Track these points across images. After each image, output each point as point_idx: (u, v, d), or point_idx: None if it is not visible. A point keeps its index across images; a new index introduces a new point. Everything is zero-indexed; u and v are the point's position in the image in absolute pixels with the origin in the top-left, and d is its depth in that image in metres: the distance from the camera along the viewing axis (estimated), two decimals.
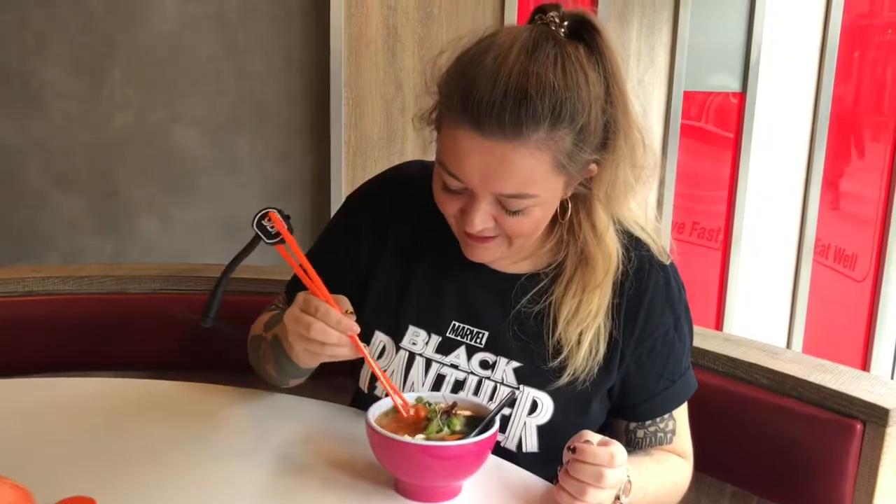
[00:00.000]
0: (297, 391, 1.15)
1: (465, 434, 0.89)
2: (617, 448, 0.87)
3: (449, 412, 0.92)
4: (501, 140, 0.88)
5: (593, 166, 0.96)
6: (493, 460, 0.96)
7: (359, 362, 1.08)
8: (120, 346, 1.49)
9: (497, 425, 0.90)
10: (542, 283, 1.04)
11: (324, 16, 2.24)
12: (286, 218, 0.92)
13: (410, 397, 0.95)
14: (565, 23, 0.93)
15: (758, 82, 2.51)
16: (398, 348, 1.06)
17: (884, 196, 2.69)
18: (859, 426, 1.11)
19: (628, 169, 0.97)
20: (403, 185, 1.12)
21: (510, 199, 0.92)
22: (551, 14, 0.93)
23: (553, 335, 1.01)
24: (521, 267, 1.06)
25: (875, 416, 1.09)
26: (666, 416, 1.06)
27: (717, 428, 1.20)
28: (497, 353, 1.03)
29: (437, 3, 2.27)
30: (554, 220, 1.01)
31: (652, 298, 1.03)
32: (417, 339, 1.06)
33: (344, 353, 0.92)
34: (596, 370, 1.01)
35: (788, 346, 2.74)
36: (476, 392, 1.02)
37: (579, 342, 1.00)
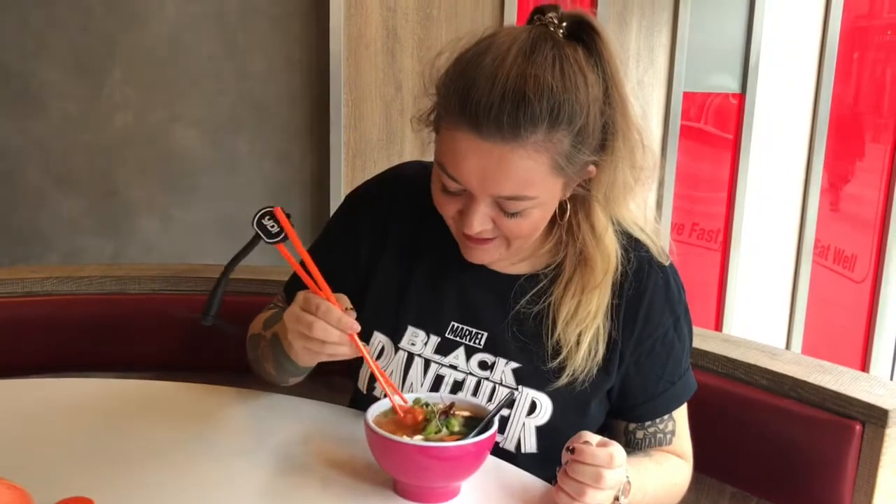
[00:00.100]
0: (294, 391, 1.15)
1: (463, 435, 0.89)
2: (616, 449, 0.87)
3: (447, 412, 0.92)
4: (500, 142, 0.88)
5: (592, 168, 0.96)
6: (491, 461, 0.96)
7: (357, 363, 1.08)
8: (119, 347, 1.49)
9: (496, 426, 0.90)
10: (542, 284, 1.03)
11: (323, 16, 2.24)
12: (287, 216, 0.92)
13: (408, 398, 0.95)
14: (564, 24, 0.93)
15: (757, 83, 2.51)
16: (397, 349, 1.06)
17: (883, 197, 2.69)
18: (858, 427, 1.11)
19: (627, 170, 0.97)
20: (403, 186, 1.12)
21: (508, 200, 0.92)
22: (550, 15, 0.93)
23: (552, 336, 1.01)
24: (521, 268, 1.06)
25: (874, 416, 1.09)
26: (665, 417, 1.06)
27: (717, 429, 1.20)
28: (496, 354, 1.03)
29: (436, 4, 2.27)
30: (553, 221, 1.01)
31: (651, 299, 1.03)
32: (416, 339, 1.06)
33: (344, 351, 0.92)
34: (595, 371, 1.01)
35: (788, 347, 2.74)
36: (475, 393, 1.02)
37: (578, 343, 1.00)
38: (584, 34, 0.93)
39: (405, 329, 1.06)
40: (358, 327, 0.91)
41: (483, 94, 0.87)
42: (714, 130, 2.56)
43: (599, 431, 1.04)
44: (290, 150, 2.37)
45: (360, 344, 0.92)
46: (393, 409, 0.93)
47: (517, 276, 1.05)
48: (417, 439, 0.88)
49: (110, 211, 2.37)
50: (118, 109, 2.30)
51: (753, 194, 2.61)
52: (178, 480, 0.93)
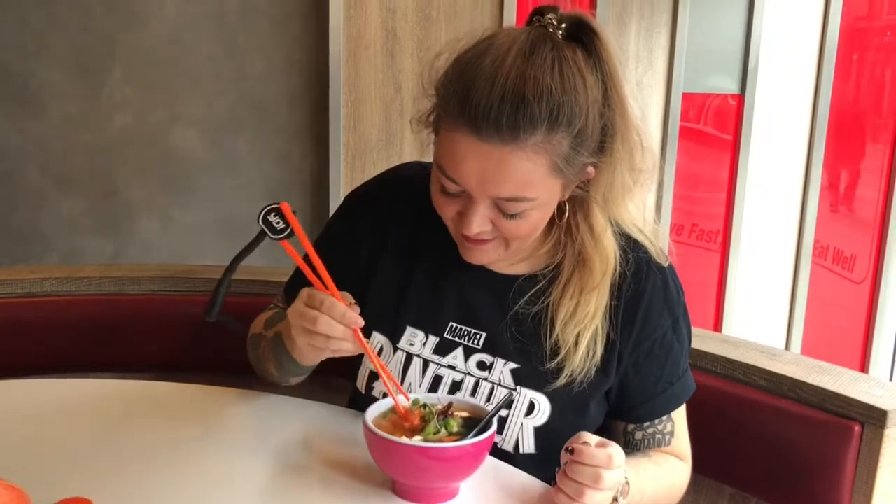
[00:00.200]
0: (293, 392, 1.15)
1: (462, 435, 0.89)
2: (615, 449, 0.87)
3: (445, 413, 0.92)
4: (499, 143, 0.88)
5: (591, 169, 0.96)
6: (490, 462, 0.96)
7: (356, 362, 1.08)
8: (118, 347, 1.49)
9: (494, 426, 0.90)
10: (540, 285, 1.04)
11: (323, 17, 2.25)
12: (293, 212, 0.92)
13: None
14: (563, 25, 0.93)
15: (756, 84, 2.51)
16: (395, 349, 1.06)
17: (882, 198, 2.70)
18: (857, 428, 1.11)
19: (626, 172, 0.97)
20: (402, 186, 1.12)
21: (507, 202, 0.92)
22: (549, 16, 0.93)
23: (550, 336, 1.01)
24: (519, 268, 1.06)
25: (873, 417, 1.09)
26: (664, 417, 1.06)
27: (716, 429, 1.20)
28: (494, 355, 1.03)
29: (435, 5, 2.27)
30: (552, 222, 1.01)
31: (650, 300, 1.03)
32: (415, 339, 1.06)
33: (347, 347, 0.92)
34: (593, 372, 1.01)
35: (787, 347, 2.74)
36: (473, 393, 1.02)
37: (577, 343, 1.00)
38: (583, 35, 0.93)
39: (404, 329, 1.06)
40: (362, 322, 0.91)
41: (482, 95, 0.87)
42: (713, 131, 2.56)
43: (598, 432, 1.04)
44: (289, 151, 2.37)
45: (364, 340, 0.92)
46: (392, 409, 0.93)
47: (516, 277, 1.05)
48: (416, 440, 0.88)
49: (110, 211, 2.37)
50: (118, 109, 2.31)
51: (753, 195, 2.61)
52: (177, 481, 0.93)
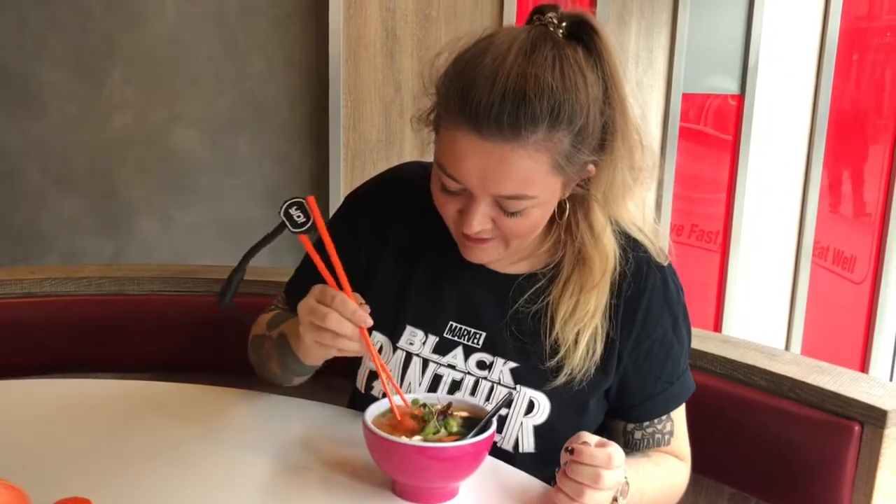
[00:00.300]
0: (293, 392, 1.15)
1: (461, 435, 0.89)
2: (615, 449, 0.87)
3: (445, 413, 0.92)
4: (500, 141, 0.88)
5: (591, 167, 0.96)
6: (489, 461, 0.96)
7: (357, 362, 1.08)
8: (118, 348, 1.49)
9: (494, 426, 0.90)
10: (540, 284, 1.04)
11: (323, 18, 2.25)
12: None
13: (407, 398, 0.95)
14: (563, 24, 0.93)
15: (756, 84, 2.51)
16: (395, 348, 1.06)
17: (882, 198, 2.70)
18: (857, 428, 1.11)
19: (626, 170, 0.97)
20: (402, 186, 1.12)
21: (508, 200, 0.92)
22: (549, 15, 0.93)
23: (550, 335, 1.01)
24: (519, 267, 1.06)
25: (873, 417, 1.09)
26: (664, 417, 1.06)
27: (715, 429, 1.20)
28: (494, 354, 1.03)
29: (435, 5, 2.27)
30: (551, 221, 1.01)
31: (650, 299, 1.03)
32: (415, 339, 1.06)
33: (354, 347, 0.92)
34: (593, 370, 1.01)
35: (787, 347, 2.74)
36: (473, 392, 1.02)
37: (576, 342, 1.00)
38: (583, 34, 0.93)
39: (404, 328, 1.06)
40: (370, 322, 0.91)
41: (483, 93, 0.87)
42: (713, 132, 2.56)
43: (597, 432, 1.04)
44: (289, 151, 2.37)
45: (369, 340, 0.92)
46: (392, 409, 0.93)
47: (516, 276, 1.05)
48: (416, 440, 0.88)
49: (110, 211, 2.37)
50: (118, 109, 2.31)
51: (753, 195, 2.61)
52: (177, 481, 0.93)
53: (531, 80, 0.87)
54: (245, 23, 2.28)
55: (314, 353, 0.96)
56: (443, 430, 0.89)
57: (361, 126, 2.31)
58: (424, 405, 0.93)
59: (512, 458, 1.01)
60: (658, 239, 1.06)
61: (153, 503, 0.88)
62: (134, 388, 1.17)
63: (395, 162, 1.20)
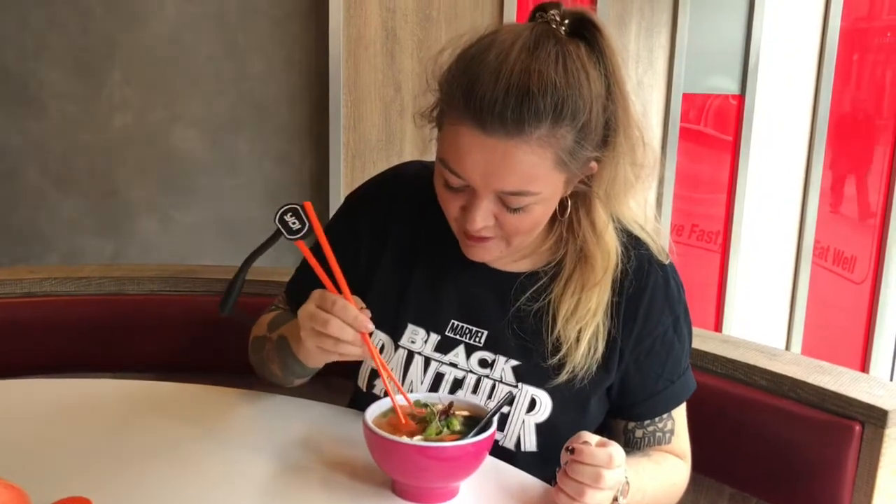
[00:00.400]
0: (294, 392, 1.15)
1: (463, 434, 0.89)
2: (615, 449, 0.87)
3: (447, 412, 0.92)
4: (503, 137, 0.88)
5: (593, 164, 0.96)
6: (490, 461, 0.95)
7: (358, 361, 1.08)
8: (118, 348, 1.49)
9: (494, 426, 0.90)
10: (542, 282, 1.04)
11: (323, 18, 2.24)
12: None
13: (409, 398, 0.95)
14: (566, 21, 0.93)
15: (757, 85, 2.51)
16: (397, 346, 1.06)
17: (883, 199, 2.69)
18: (858, 428, 1.10)
19: (628, 167, 0.97)
20: (402, 186, 1.12)
21: (511, 196, 0.92)
22: (552, 12, 0.93)
23: (552, 333, 1.01)
24: (521, 265, 1.06)
25: (874, 417, 1.09)
26: (665, 415, 1.06)
27: (716, 429, 1.20)
28: (496, 352, 1.03)
29: (435, 5, 2.27)
30: (553, 219, 1.01)
31: (651, 297, 1.03)
32: (416, 337, 1.06)
33: (355, 352, 0.92)
34: (594, 368, 1.01)
35: (787, 347, 2.74)
36: (474, 390, 1.02)
37: (578, 340, 1.00)
38: (585, 31, 0.93)
39: (405, 327, 1.06)
40: (372, 327, 0.91)
41: (487, 89, 0.87)
42: (713, 132, 2.56)
43: (598, 431, 1.04)
44: (289, 151, 2.37)
45: (372, 345, 0.92)
46: (393, 409, 0.93)
47: (517, 274, 1.05)
48: (417, 439, 0.88)
49: (110, 211, 2.37)
50: (118, 110, 2.30)
51: (753, 196, 2.61)
52: (177, 481, 0.93)
53: (535, 75, 0.87)
54: (245, 23, 2.28)
55: (315, 357, 0.96)
56: (446, 430, 0.89)
57: (361, 126, 2.31)
58: (426, 405, 0.93)
59: (514, 456, 1.01)
60: (659, 237, 1.06)
61: (153, 503, 0.88)
62: (134, 388, 1.17)
63: (395, 162, 1.20)
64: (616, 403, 1.06)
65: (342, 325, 0.90)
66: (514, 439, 1.01)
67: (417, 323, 1.06)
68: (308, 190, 2.38)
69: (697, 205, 2.61)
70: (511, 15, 2.29)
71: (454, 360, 1.04)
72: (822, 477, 1.14)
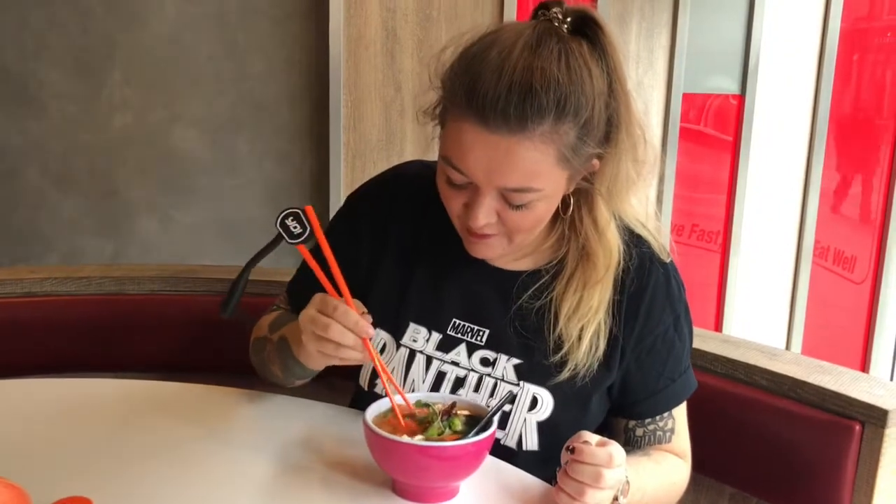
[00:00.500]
0: (295, 392, 1.15)
1: (465, 434, 0.89)
2: (615, 448, 0.87)
3: (449, 412, 0.92)
4: (506, 134, 0.88)
5: (596, 161, 0.97)
6: (490, 461, 0.95)
7: None
8: (118, 347, 1.49)
9: (495, 425, 0.90)
10: (543, 280, 1.04)
11: (323, 17, 2.24)
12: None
13: (410, 398, 0.95)
14: (568, 19, 0.93)
15: (757, 85, 2.51)
16: (399, 345, 1.06)
17: (883, 199, 2.69)
18: (858, 427, 1.10)
19: (630, 163, 0.97)
20: (403, 186, 1.12)
21: (514, 193, 0.92)
22: (554, 10, 0.94)
23: (554, 331, 1.01)
24: (523, 264, 1.06)
25: (874, 417, 1.09)
26: (665, 414, 1.06)
27: (716, 429, 1.20)
28: (498, 351, 1.04)
29: (435, 5, 2.27)
30: (555, 217, 1.02)
31: (653, 295, 1.03)
32: (418, 336, 1.06)
33: (356, 356, 0.92)
34: (596, 366, 1.01)
35: (787, 347, 2.74)
36: (476, 389, 1.02)
37: (580, 338, 1.00)
38: (587, 29, 0.93)
39: (406, 326, 1.06)
40: (373, 332, 0.91)
41: (490, 86, 0.88)
42: (714, 132, 2.56)
43: (599, 430, 1.04)
44: (289, 151, 2.37)
45: (373, 350, 0.92)
46: (393, 410, 0.93)
47: (519, 273, 1.05)
48: (417, 439, 0.88)
49: (110, 211, 2.37)
50: (118, 110, 2.30)
51: (753, 195, 2.61)
52: (177, 480, 0.93)
53: (537, 72, 0.87)
54: (245, 23, 2.28)
55: (316, 361, 0.96)
56: (448, 430, 0.89)
57: (362, 126, 2.31)
58: (427, 405, 0.93)
59: (515, 455, 1.01)
60: (660, 236, 1.06)
61: (154, 502, 0.88)
62: (134, 388, 1.17)
63: (395, 162, 1.20)
64: (617, 402, 1.06)
65: (343, 330, 0.90)
66: (515, 438, 1.01)
67: (419, 322, 1.06)
68: (308, 190, 2.38)
69: (697, 205, 2.61)
70: (511, 14, 2.29)
71: (456, 358, 1.04)
72: (823, 477, 1.14)
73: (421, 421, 0.92)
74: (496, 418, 0.91)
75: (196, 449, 1.00)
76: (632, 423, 1.07)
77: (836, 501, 1.13)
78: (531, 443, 1.01)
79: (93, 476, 0.92)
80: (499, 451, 1.00)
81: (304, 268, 1.16)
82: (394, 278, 1.08)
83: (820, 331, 2.76)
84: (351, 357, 0.92)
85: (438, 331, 1.05)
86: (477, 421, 0.91)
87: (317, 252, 0.94)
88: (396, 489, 0.91)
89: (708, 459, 1.15)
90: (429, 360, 1.04)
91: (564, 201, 1.00)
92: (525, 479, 0.96)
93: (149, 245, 2.39)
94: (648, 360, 1.04)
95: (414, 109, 2.28)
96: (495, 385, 1.02)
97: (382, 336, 1.06)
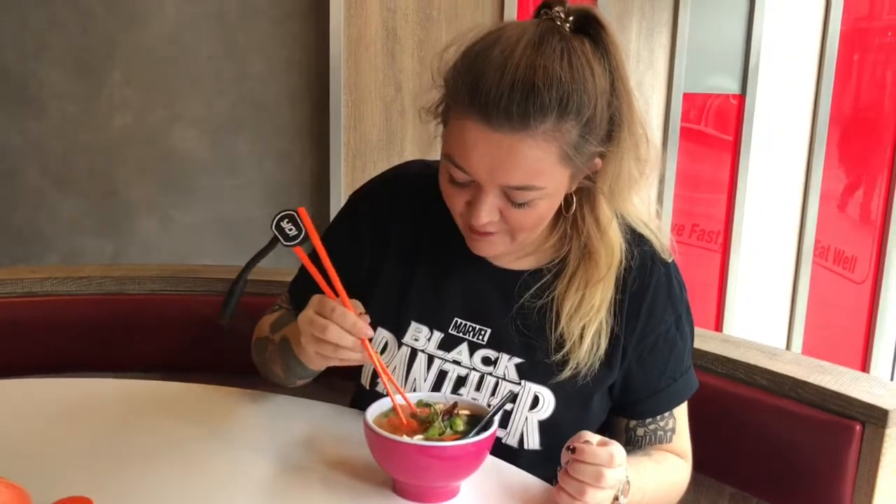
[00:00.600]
0: (296, 392, 1.15)
1: (466, 434, 0.89)
2: (616, 448, 0.87)
3: (451, 412, 0.92)
4: (509, 132, 0.89)
5: (598, 160, 0.97)
6: (491, 461, 0.96)
7: None
8: (118, 347, 1.49)
9: (495, 426, 0.90)
10: (545, 279, 1.04)
11: (323, 17, 2.24)
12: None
13: (412, 398, 0.95)
14: (570, 18, 0.93)
15: (757, 84, 2.51)
16: (400, 344, 1.06)
17: (883, 198, 2.69)
18: (858, 427, 1.10)
19: (632, 162, 0.97)
20: (404, 186, 1.12)
21: (517, 191, 0.92)
22: (557, 9, 0.94)
23: (555, 330, 1.02)
24: (525, 263, 1.06)
25: (874, 417, 1.09)
26: (666, 414, 1.06)
27: (717, 429, 1.20)
28: (499, 350, 1.04)
29: (436, 5, 2.27)
30: (557, 216, 1.02)
31: (654, 295, 1.03)
32: (420, 335, 1.06)
33: (356, 357, 0.92)
34: (597, 365, 1.01)
35: (788, 347, 2.74)
36: (478, 388, 1.02)
37: (582, 336, 1.00)
38: (590, 28, 0.93)
39: (408, 325, 1.06)
40: (371, 333, 0.91)
41: (492, 84, 0.88)
42: (714, 132, 2.56)
43: (600, 430, 1.04)
44: (290, 151, 2.37)
45: (372, 350, 0.92)
46: (394, 409, 0.93)
47: (521, 272, 1.05)
48: (417, 439, 0.88)
49: (110, 211, 2.36)
50: (118, 110, 2.30)
51: (753, 195, 2.60)
52: (178, 480, 0.93)
53: (540, 70, 0.88)
54: (245, 23, 2.28)
55: (316, 362, 0.96)
56: (449, 430, 0.89)
57: (362, 126, 2.31)
58: (429, 405, 0.93)
59: (517, 454, 1.01)
60: (662, 235, 1.06)
61: (154, 502, 0.88)
62: (135, 388, 1.17)
63: (396, 162, 1.20)
64: (618, 401, 1.06)
65: (341, 332, 0.90)
66: (517, 436, 1.01)
67: (421, 321, 1.06)
68: (308, 190, 2.38)
69: (698, 204, 2.61)
70: (511, 14, 2.29)
71: (457, 357, 1.04)
72: (823, 477, 1.14)
73: (422, 421, 0.92)
74: (497, 418, 0.91)
75: (197, 449, 1.00)
76: (633, 422, 1.07)
77: (836, 501, 1.13)
78: (533, 442, 1.01)
79: (93, 476, 0.92)
80: (500, 450, 1.00)
81: (305, 267, 1.16)
82: (395, 277, 1.08)
83: (820, 331, 2.76)
84: (350, 358, 0.92)
85: (440, 330, 1.06)
86: (479, 421, 0.91)
87: (314, 254, 0.94)
88: (397, 489, 0.91)
89: (708, 459, 1.15)
90: (430, 359, 1.04)
91: (567, 200, 1.00)
92: (525, 478, 0.96)
93: (149, 245, 2.39)
94: (650, 359, 1.04)
95: (414, 109, 2.28)
96: (497, 384, 1.02)
97: (384, 335, 1.06)
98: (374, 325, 1.06)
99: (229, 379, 1.22)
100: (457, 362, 1.04)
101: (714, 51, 2.48)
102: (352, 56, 2.26)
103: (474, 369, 1.03)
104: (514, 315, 1.04)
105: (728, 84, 2.52)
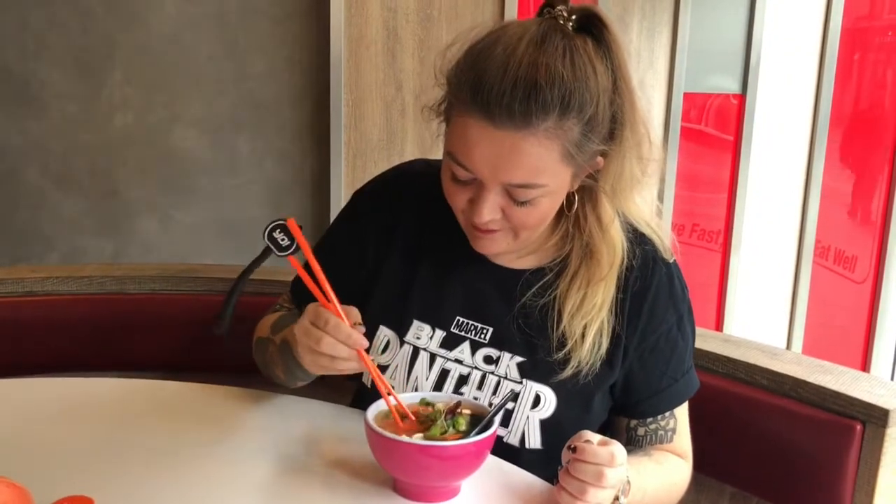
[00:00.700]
0: (295, 391, 1.15)
1: (467, 434, 0.89)
2: (617, 448, 0.87)
3: (454, 411, 0.92)
4: (511, 129, 0.89)
5: (600, 159, 0.97)
6: (492, 460, 0.96)
7: None
8: (119, 347, 1.49)
9: (496, 425, 0.90)
10: (547, 277, 1.04)
11: (324, 17, 2.24)
12: (299, 227, 0.92)
13: (415, 397, 0.95)
14: (573, 17, 0.94)
15: (758, 84, 2.51)
16: (402, 342, 1.06)
17: (884, 198, 2.69)
18: (859, 427, 1.10)
19: (634, 161, 0.98)
20: (405, 185, 1.13)
21: (519, 189, 0.92)
22: (559, 8, 0.94)
23: (557, 329, 1.02)
24: (527, 262, 1.06)
25: (875, 416, 1.09)
26: (667, 414, 1.06)
27: (717, 429, 1.20)
28: (501, 349, 1.04)
29: (436, 5, 2.27)
30: (559, 215, 1.02)
31: (656, 294, 1.03)
32: (422, 333, 1.06)
33: (352, 366, 0.93)
34: (599, 364, 1.02)
35: (788, 347, 2.74)
36: (480, 386, 1.02)
37: (583, 335, 1.00)
38: (592, 27, 0.94)
39: (410, 323, 1.06)
40: (366, 343, 0.91)
41: (495, 82, 0.88)
42: (714, 131, 2.56)
43: (601, 430, 1.04)
44: (290, 151, 2.37)
45: (368, 360, 0.92)
46: (395, 407, 0.93)
47: (523, 271, 1.05)
48: (418, 438, 0.88)
49: (110, 211, 2.36)
50: (118, 109, 2.30)
51: (754, 195, 2.60)
52: (178, 480, 0.93)
53: (542, 68, 0.88)
54: (245, 23, 2.28)
55: (314, 370, 0.96)
56: (451, 429, 0.89)
57: (362, 125, 2.31)
58: (430, 404, 0.93)
59: (519, 453, 1.01)
60: (664, 235, 1.06)
61: (155, 501, 0.88)
62: (135, 387, 1.17)
63: (396, 161, 1.20)
64: (620, 401, 1.07)
65: (335, 343, 0.90)
66: (518, 435, 1.01)
67: (423, 319, 1.06)
68: (309, 189, 2.38)
69: (698, 204, 2.61)
70: (512, 14, 2.29)
71: (459, 356, 1.04)
72: (824, 476, 1.14)
73: (424, 420, 0.92)
74: (497, 418, 0.91)
75: (197, 448, 1.00)
76: (633, 422, 1.07)
77: (836, 501, 1.13)
78: (534, 441, 1.01)
79: (94, 475, 0.92)
80: (502, 448, 1.00)
81: (306, 267, 1.16)
82: (397, 276, 1.08)
83: (821, 330, 2.76)
84: (346, 368, 0.93)
85: (442, 328, 1.06)
86: (481, 421, 0.91)
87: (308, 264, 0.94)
88: (397, 488, 0.91)
89: (709, 459, 1.15)
90: (432, 357, 1.05)
91: (569, 198, 1.00)
92: (526, 477, 0.96)
93: (149, 245, 2.39)
94: (651, 358, 1.04)
95: (415, 109, 2.28)
96: (498, 383, 1.02)
97: (386, 333, 1.07)
98: (376, 323, 1.06)
99: (230, 378, 1.22)
100: (459, 361, 1.04)
101: (714, 51, 2.48)
102: (352, 56, 2.26)
103: (476, 368, 1.03)
104: (515, 314, 1.04)
105: (728, 84, 2.52)
